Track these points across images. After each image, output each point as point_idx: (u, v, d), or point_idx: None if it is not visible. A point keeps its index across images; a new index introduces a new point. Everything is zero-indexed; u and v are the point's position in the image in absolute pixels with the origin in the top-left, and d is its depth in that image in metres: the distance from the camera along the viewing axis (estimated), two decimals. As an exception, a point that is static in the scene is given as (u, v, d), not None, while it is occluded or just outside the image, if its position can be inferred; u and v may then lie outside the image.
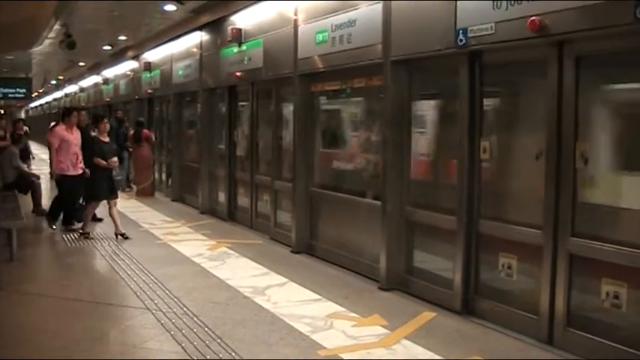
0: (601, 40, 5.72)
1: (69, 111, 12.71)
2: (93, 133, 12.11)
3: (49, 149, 12.09)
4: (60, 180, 12.19)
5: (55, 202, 12.66)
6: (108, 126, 11.96)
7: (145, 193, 17.42)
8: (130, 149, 17.86)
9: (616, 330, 5.68)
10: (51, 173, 12.46)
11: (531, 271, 6.48)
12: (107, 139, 11.81)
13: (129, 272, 8.98)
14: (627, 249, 5.46)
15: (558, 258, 6.05)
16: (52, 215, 12.62)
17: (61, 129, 12.16)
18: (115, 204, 11.73)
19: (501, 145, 7.01)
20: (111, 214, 11.60)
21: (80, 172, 12.00)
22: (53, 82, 38.16)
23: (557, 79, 6.04)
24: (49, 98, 48.50)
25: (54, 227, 12.44)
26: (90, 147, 11.67)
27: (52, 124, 15.48)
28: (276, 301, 7.64)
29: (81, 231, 11.70)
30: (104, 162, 11.41)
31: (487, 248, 7.05)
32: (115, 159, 11.77)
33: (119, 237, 11.46)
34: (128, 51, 21.64)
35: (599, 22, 5.48)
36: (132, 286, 8.25)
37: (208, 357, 5.83)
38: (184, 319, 6.90)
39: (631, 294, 5.51)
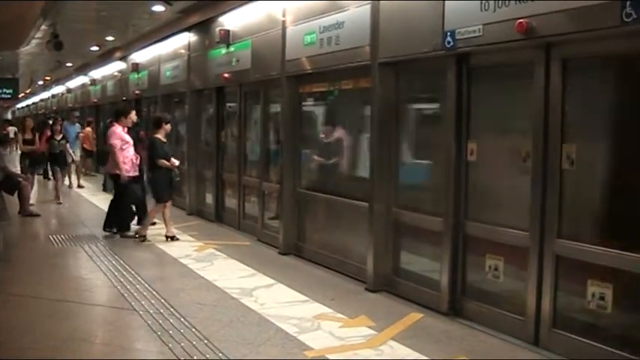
0: (588, 43, 5.76)
1: (126, 111, 12.22)
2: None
3: (111, 151, 11.47)
4: (120, 182, 11.70)
5: (113, 207, 12.14)
6: (169, 127, 11.81)
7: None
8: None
9: (601, 331, 5.71)
10: (112, 175, 11.79)
11: (518, 273, 6.50)
12: (165, 140, 11.67)
13: (116, 273, 8.96)
14: (614, 251, 5.49)
15: (544, 259, 6.08)
16: (112, 223, 12.07)
17: (120, 129, 11.73)
18: (170, 205, 11.72)
19: (488, 146, 7.04)
20: (164, 216, 11.47)
21: (138, 174, 11.83)
22: (40, 82, 38.03)
23: (544, 81, 6.07)
24: (36, 99, 48.34)
25: (114, 232, 11.96)
26: (152, 148, 11.41)
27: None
28: (263, 302, 7.64)
29: (137, 235, 11.48)
30: (168, 163, 11.38)
31: (474, 250, 7.07)
32: (176, 160, 11.65)
33: (169, 239, 11.35)
34: (116, 52, 21.63)
35: (586, 25, 5.51)
36: (119, 288, 8.23)
37: (195, 358, 5.82)
38: (171, 320, 6.88)
39: (616, 295, 5.54)
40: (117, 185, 11.89)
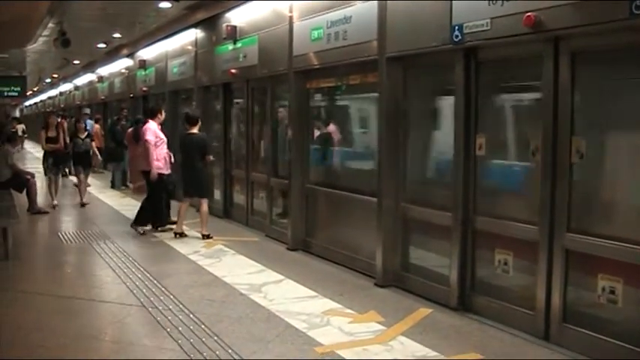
0: (597, 36, 5.73)
1: (158, 108, 12.25)
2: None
3: (145, 147, 11.41)
4: (155, 179, 11.63)
5: (147, 205, 12.04)
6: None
7: (142, 190, 17.28)
8: (129, 147, 17.70)
9: (612, 325, 5.69)
10: (145, 172, 11.67)
11: (527, 267, 6.48)
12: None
13: (125, 270, 8.97)
14: (624, 244, 5.47)
15: (554, 254, 6.06)
16: (144, 219, 12.01)
17: (155, 126, 11.71)
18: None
19: (497, 141, 7.01)
20: (202, 213, 11.40)
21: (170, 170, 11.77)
22: (48, 80, 38.10)
23: (553, 75, 6.04)
24: (43, 96, 48.43)
25: (143, 232, 11.84)
26: (205, 145, 11.37)
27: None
28: (272, 298, 7.64)
29: (205, 233, 11.33)
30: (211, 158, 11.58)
31: (483, 244, 7.05)
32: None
33: (205, 238, 11.26)
34: (123, 49, 21.63)
35: (594, 18, 5.48)
36: (128, 284, 8.24)
37: (205, 354, 5.83)
38: (180, 317, 6.89)
39: (627, 289, 5.52)
40: (150, 182, 11.81)
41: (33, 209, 13.95)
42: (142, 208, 12.08)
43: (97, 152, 16.84)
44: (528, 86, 6.70)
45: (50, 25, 16.62)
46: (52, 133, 15.45)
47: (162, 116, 12.07)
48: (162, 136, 11.68)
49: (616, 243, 5.54)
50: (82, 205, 15.30)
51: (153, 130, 11.59)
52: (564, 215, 5.99)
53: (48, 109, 44.81)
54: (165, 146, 11.70)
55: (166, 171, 11.65)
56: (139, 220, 11.98)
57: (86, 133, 16.01)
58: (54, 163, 15.49)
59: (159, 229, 11.93)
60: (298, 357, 5.82)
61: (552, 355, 5.87)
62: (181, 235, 11.38)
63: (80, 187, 15.79)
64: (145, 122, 12.00)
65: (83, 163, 15.69)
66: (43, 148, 15.70)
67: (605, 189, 6.04)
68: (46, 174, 15.66)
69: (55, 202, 15.07)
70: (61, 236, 11.59)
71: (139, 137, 16.40)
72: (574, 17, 5.67)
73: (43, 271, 9.43)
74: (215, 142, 13.89)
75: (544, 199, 6.14)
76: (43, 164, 15.67)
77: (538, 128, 6.25)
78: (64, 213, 14.55)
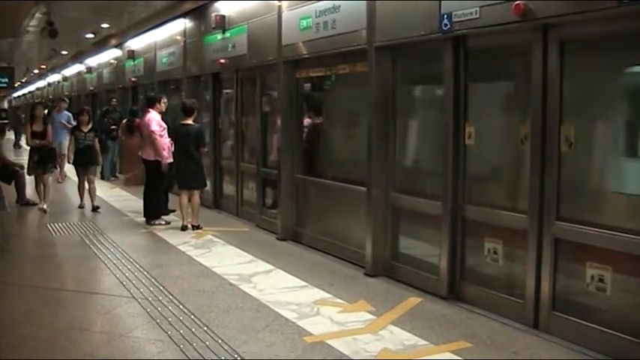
0: (586, 24, 5.72)
1: (157, 97, 12.03)
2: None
3: (151, 138, 11.35)
4: (158, 169, 11.47)
5: (148, 196, 11.88)
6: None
7: (134, 182, 17.23)
8: (122, 138, 17.65)
9: (601, 313, 5.71)
10: (147, 162, 11.50)
11: (517, 256, 6.49)
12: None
13: (114, 261, 8.94)
14: (613, 233, 5.48)
15: (544, 242, 6.07)
16: (154, 212, 11.81)
17: (157, 115, 11.61)
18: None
19: (486, 129, 7.01)
20: (193, 204, 11.29)
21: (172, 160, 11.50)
22: (36, 71, 37.94)
23: (542, 63, 6.04)
24: (32, 87, 48.23)
25: (163, 223, 11.69)
26: (201, 136, 11.29)
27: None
28: (262, 288, 7.64)
29: (195, 224, 11.24)
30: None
31: (473, 233, 7.06)
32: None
33: (195, 228, 11.18)
34: (111, 39, 21.53)
35: (583, 6, 5.47)
36: (117, 275, 8.22)
37: (194, 344, 5.82)
38: (170, 307, 6.88)
39: (615, 277, 5.54)
40: (152, 172, 11.68)
41: (22, 201, 13.88)
42: (145, 202, 11.94)
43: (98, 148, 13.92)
44: (518, 75, 6.70)
45: (38, 15, 16.51)
46: (38, 127, 13.58)
47: (163, 105, 11.91)
48: (164, 125, 11.61)
49: (605, 231, 5.56)
50: (94, 208, 13.32)
51: (157, 120, 11.52)
52: (554, 203, 6.00)
53: (37, 100, 44.69)
54: (167, 135, 11.58)
55: (171, 159, 11.47)
56: (151, 213, 11.82)
57: (89, 126, 13.58)
58: (40, 160, 13.47)
59: (161, 217, 11.82)
60: (288, 347, 5.82)
61: (542, 343, 5.88)
62: (188, 227, 11.18)
63: (86, 190, 13.60)
64: (146, 112, 11.87)
65: (86, 160, 13.38)
66: (27, 144, 13.99)
67: (594, 177, 6.05)
68: (30, 173, 13.82)
69: (45, 205, 13.42)
70: (50, 228, 11.54)
71: (132, 128, 16.44)
72: (563, 5, 5.66)
73: (32, 262, 9.39)
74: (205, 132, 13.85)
75: (533, 188, 6.15)
76: (28, 162, 13.74)
77: (528, 117, 6.26)
78: (53, 205, 14.44)
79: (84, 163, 13.38)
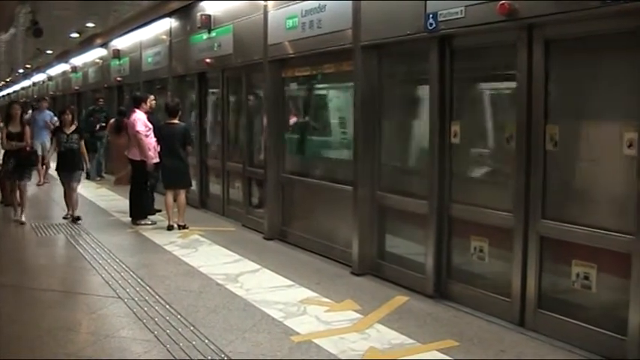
0: (570, 24, 5.74)
1: (145, 96, 12.00)
2: None
3: (137, 139, 11.29)
4: (144, 169, 11.46)
5: (135, 196, 11.82)
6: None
7: (124, 182, 17.10)
8: (110, 138, 17.55)
9: (586, 310, 5.74)
10: (133, 162, 11.49)
11: (503, 254, 6.52)
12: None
13: (100, 261, 8.91)
14: (598, 230, 5.51)
15: (529, 240, 6.10)
16: (140, 212, 11.79)
17: (143, 115, 11.55)
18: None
19: (472, 128, 7.04)
20: (179, 203, 11.26)
21: (159, 160, 11.45)
22: (21, 70, 37.75)
23: (527, 62, 6.07)
24: (17, 87, 47.96)
25: (149, 223, 11.65)
26: (187, 135, 11.31)
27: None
28: (248, 287, 7.63)
29: (181, 223, 11.19)
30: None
31: (459, 232, 7.08)
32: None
33: (181, 228, 11.12)
34: (96, 38, 21.44)
35: (568, 6, 5.49)
36: (103, 275, 8.19)
37: (181, 344, 5.81)
38: (157, 308, 6.86)
39: (600, 275, 5.57)
40: (138, 172, 11.65)
41: (6, 201, 13.77)
42: (131, 201, 11.89)
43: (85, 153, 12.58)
44: (503, 74, 6.72)
45: (22, 14, 16.42)
46: (14, 128, 12.02)
47: (148, 105, 11.89)
48: (149, 125, 11.55)
49: (590, 229, 5.59)
50: (74, 219, 12.00)
51: (142, 120, 11.49)
52: (539, 202, 6.03)
53: (22, 100, 44.44)
54: (153, 134, 11.53)
55: (157, 159, 11.44)
56: (137, 213, 11.78)
57: (73, 127, 12.17)
58: (17, 165, 11.94)
59: (148, 216, 11.80)
60: (275, 346, 5.82)
61: (528, 341, 5.91)
62: (174, 227, 11.15)
63: (68, 199, 12.32)
64: (132, 112, 11.82)
65: (70, 166, 11.97)
66: (2, 147, 12.40)
67: (580, 176, 6.08)
68: (3, 180, 12.86)
69: (22, 217, 11.91)
70: (35, 227, 11.48)
71: (121, 128, 16.32)
72: (548, 5, 5.68)
73: (17, 263, 9.33)
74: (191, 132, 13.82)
75: (519, 187, 6.18)
76: (3, 167, 12.41)
77: (513, 116, 6.29)
78: (38, 204, 14.39)
79: (67, 168, 11.97)
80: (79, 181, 12.27)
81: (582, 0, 5.37)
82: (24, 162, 12.00)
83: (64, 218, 12.24)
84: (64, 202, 12.57)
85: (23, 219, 11.85)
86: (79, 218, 11.97)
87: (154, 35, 16.40)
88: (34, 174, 13.22)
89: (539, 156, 6.00)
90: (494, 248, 6.66)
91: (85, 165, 12.20)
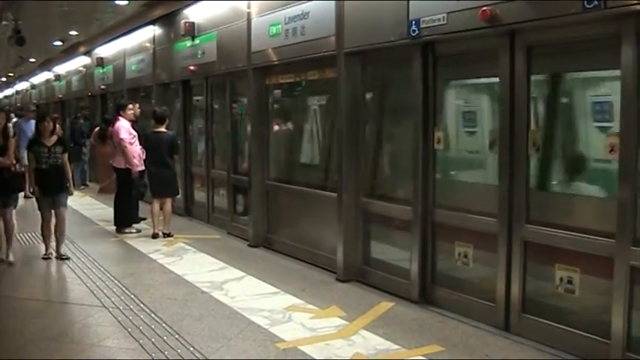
0: (551, 30, 5.79)
1: (128, 103, 11.97)
2: None
3: (121, 146, 11.25)
4: (129, 177, 11.31)
5: (120, 205, 11.78)
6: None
7: (109, 190, 16.98)
8: (95, 146, 17.42)
9: (570, 314, 5.77)
10: (118, 170, 11.59)
11: (487, 259, 6.54)
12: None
13: (84, 270, 8.88)
14: (580, 235, 5.55)
15: (513, 245, 6.13)
16: (125, 221, 11.73)
17: (127, 123, 11.51)
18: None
19: (456, 134, 7.07)
20: (165, 212, 11.23)
21: (144, 167, 11.37)
22: (3, 79, 37.56)
23: (509, 68, 6.11)
24: (-1, 95, 47.72)
25: (133, 231, 11.63)
26: (174, 144, 11.29)
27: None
28: (234, 295, 7.62)
29: (166, 232, 11.18)
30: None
31: (443, 237, 7.10)
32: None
33: (166, 236, 11.09)
34: (80, 46, 21.37)
35: (549, 12, 5.53)
36: (88, 284, 8.16)
37: (166, 353, 5.80)
38: (142, 316, 6.84)
39: (584, 279, 5.60)
40: (123, 180, 11.58)
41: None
42: (116, 210, 11.85)
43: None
44: (486, 81, 6.76)
45: (4, 22, 16.34)
46: None
47: (132, 111, 11.82)
48: (134, 132, 11.51)
49: (573, 233, 5.62)
50: (61, 257, 9.67)
51: (126, 127, 11.44)
52: (523, 207, 6.06)
53: (6, 108, 44.16)
54: (137, 142, 11.49)
55: (142, 167, 11.37)
56: (122, 221, 11.74)
57: (55, 138, 9.56)
58: (1, 187, 9.32)
59: (132, 225, 11.76)
60: (261, 353, 5.82)
61: (513, 345, 5.94)
62: (159, 235, 11.12)
63: (50, 231, 9.75)
64: (116, 120, 11.78)
65: (53, 188, 9.41)
66: None
67: (562, 180, 6.12)
68: None
69: (10, 256, 9.48)
70: (18, 237, 11.40)
71: (105, 136, 16.20)
72: (529, 11, 5.72)
73: (0, 272, 9.26)
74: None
75: (502, 192, 6.21)
76: None
77: (496, 121, 6.32)
78: (21, 214, 14.25)
79: (50, 190, 9.42)
80: (65, 205, 9.75)
81: (563, 6, 5.39)
82: (9, 184, 9.39)
83: (44, 258, 9.72)
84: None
85: (11, 258, 9.46)
86: (67, 257, 9.64)
87: (137, 43, 16.37)
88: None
89: (522, 161, 6.03)
90: (479, 253, 6.68)
91: (70, 184, 9.70)
